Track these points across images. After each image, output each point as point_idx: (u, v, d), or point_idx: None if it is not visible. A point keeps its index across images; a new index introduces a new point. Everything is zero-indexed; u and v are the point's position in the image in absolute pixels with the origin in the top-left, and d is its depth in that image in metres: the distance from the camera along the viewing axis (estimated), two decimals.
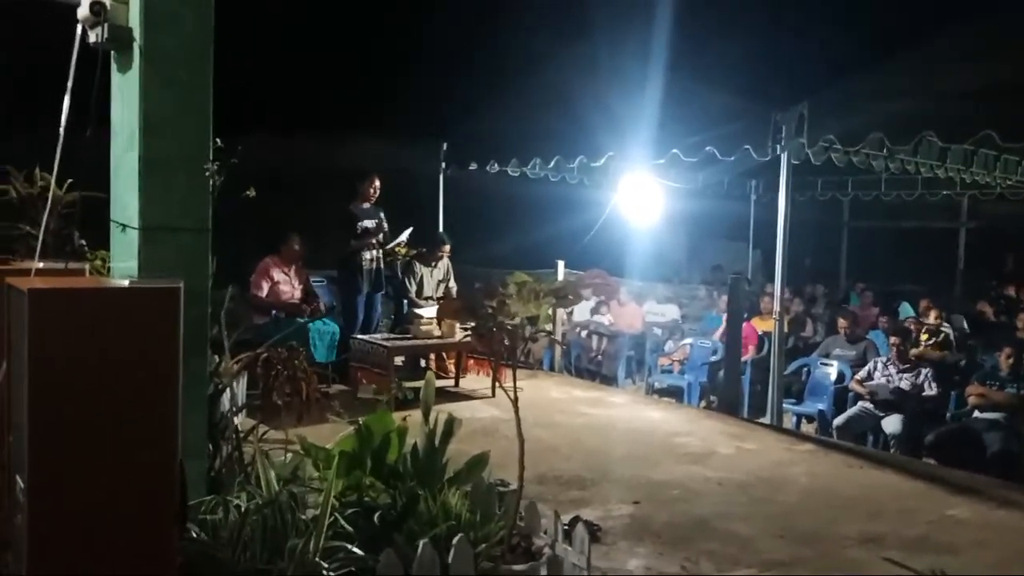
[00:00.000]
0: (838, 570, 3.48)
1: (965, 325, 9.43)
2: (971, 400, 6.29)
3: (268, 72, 9.96)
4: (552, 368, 8.52)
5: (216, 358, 3.24)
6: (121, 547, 2.13)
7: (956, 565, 3.53)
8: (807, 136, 5.81)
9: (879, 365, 6.88)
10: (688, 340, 9.00)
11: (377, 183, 7.20)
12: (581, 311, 9.64)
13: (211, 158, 2.84)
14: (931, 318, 8.43)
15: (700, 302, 10.69)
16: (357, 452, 2.97)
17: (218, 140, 2.85)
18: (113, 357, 2.12)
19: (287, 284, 6.89)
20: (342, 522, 2.66)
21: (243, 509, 2.66)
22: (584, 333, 9.53)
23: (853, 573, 3.47)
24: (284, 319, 6.52)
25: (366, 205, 7.20)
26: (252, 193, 3.05)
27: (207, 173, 2.82)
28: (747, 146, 6.09)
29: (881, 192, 10.37)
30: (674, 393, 8.51)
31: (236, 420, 3.30)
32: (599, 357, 9.36)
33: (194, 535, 2.55)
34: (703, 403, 8.06)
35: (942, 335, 7.82)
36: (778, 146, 5.92)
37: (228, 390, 3.25)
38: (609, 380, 8.92)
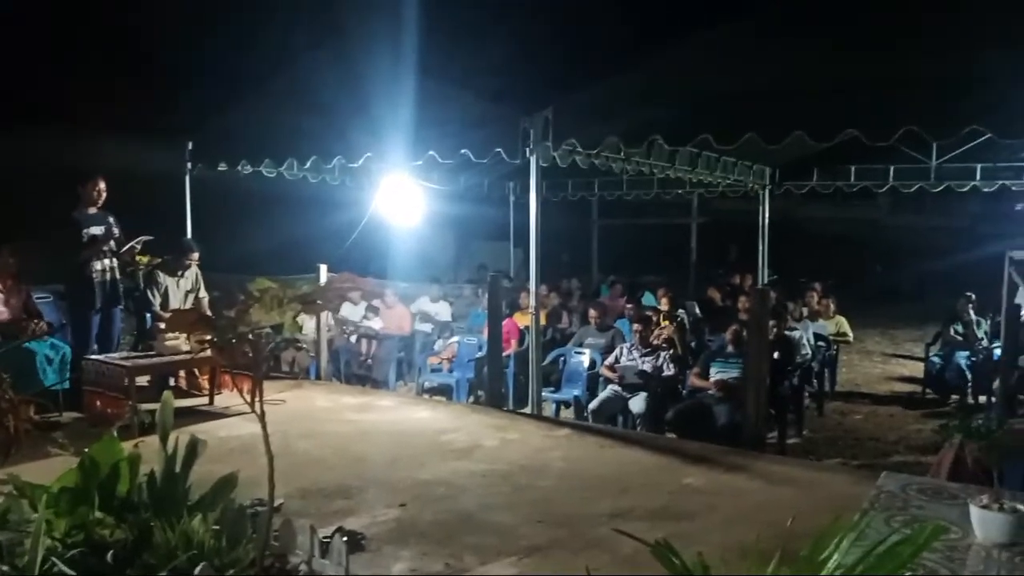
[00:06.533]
0: (588, 548, 3.69)
1: (697, 310, 10.49)
2: (692, 382, 7.03)
3: None
4: (319, 377, 8.28)
5: None
6: None
7: (691, 529, 3.89)
8: (552, 140, 6.11)
9: (624, 350, 7.42)
10: (456, 338, 9.15)
11: (102, 185, 6.56)
12: (353, 315, 9.48)
13: None
14: (666, 305, 9.26)
15: (466, 300, 10.94)
16: (81, 486, 2.67)
17: None
18: None
19: None
20: (61, 566, 2.37)
21: None
22: (353, 338, 9.37)
23: (600, 550, 3.69)
24: None
25: (92, 210, 6.53)
26: None
27: None
28: (499, 149, 6.29)
29: (623, 192, 11.26)
30: (444, 391, 8.62)
31: None
32: (369, 361, 9.25)
33: None
34: (471, 399, 8.24)
35: (677, 320, 8.62)
36: (527, 149, 6.17)
37: None
38: (380, 384, 8.84)
